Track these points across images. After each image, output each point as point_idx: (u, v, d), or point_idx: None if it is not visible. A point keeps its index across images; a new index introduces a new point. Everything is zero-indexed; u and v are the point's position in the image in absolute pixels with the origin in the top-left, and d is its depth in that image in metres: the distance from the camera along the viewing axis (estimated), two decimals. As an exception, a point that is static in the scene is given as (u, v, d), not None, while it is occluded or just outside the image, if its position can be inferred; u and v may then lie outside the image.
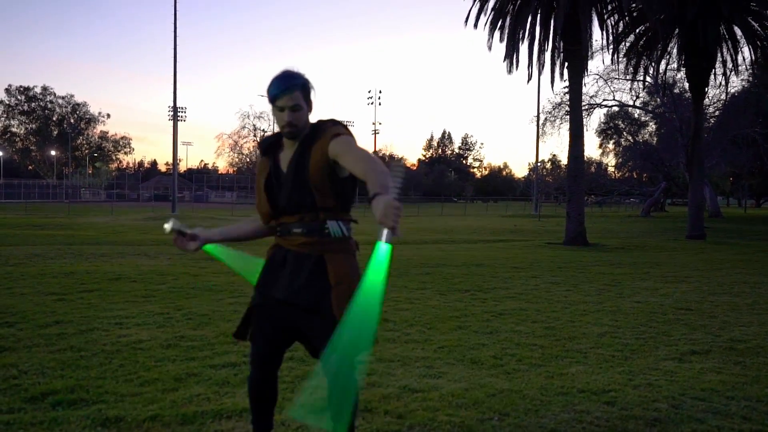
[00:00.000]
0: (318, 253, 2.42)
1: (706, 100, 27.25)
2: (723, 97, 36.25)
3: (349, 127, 2.51)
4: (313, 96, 2.45)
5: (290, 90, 2.36)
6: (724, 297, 8.14)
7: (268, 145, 2.54)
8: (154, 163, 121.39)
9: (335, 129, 2.42)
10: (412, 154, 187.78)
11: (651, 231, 29.34)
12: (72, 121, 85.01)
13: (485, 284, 8.80)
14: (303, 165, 2.40)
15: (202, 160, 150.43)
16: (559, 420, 3.14)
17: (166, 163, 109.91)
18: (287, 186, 2.43)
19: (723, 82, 25.80)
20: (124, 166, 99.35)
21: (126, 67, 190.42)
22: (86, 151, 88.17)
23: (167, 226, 2.57)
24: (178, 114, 44.92)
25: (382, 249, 2.09)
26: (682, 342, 5.38)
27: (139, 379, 3.68)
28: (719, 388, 3.98)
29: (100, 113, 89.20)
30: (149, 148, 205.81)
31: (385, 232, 1.95)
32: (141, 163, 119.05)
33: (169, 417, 3.02)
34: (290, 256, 2.43)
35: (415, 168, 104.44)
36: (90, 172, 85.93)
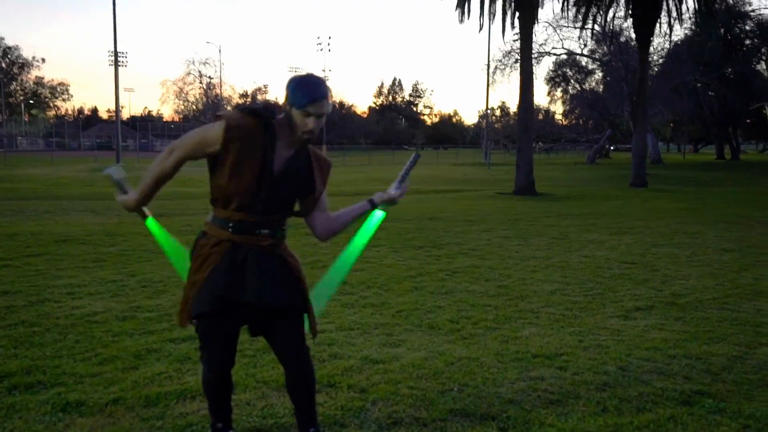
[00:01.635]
0: (278, 252, 2.44)
1: (650, 48, 27.67)
2: (667, 45, 36.92)
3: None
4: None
5: (325, 98, 2.33)
6: (666, 248, 8.49)
7: (267, 127, 2.36)
8: (94, 111, 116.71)
9: (329, 164, 2.60)
10: (363, 101, 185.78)
11: (596, 179, 30.09)
12: (3, 65, 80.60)
13: (439, 240, 8.92)
14: (307, 178, 2.46)
15: (145, 107, 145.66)
16: (515, 389, 3.27)
17: (108, 111, 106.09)
18: (277, 189, 2.36)
19: (668, 31, 26.30)
20: (63, 114, 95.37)
21: (61, 7, 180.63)
22: (21, 98, 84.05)
23: (109, 173, 2.50)
24: (119, 59, 43.05)
25: (377, 215, 2.66)
26: (627, 298, 5.61)
27: (97, 357, 3.63)
28: (662, 346, 4.20)
29: (34, 57, 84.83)
30: (89, 94, 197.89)
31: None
32: (81, 111, 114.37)
33: (132, 399, 3.02)
34: (252, 256, 2.35)
35: (365, 116, 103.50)
36: (26, 119, 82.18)
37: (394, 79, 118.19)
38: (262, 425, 2.80)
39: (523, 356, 3.86)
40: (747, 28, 46.67)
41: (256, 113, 2.36)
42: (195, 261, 2.40)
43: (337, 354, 3.73)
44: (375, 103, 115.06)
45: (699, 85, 39.15)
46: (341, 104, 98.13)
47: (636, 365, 3.77)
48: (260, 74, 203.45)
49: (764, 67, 49.11)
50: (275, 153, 2.35)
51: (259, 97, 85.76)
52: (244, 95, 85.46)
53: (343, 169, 40.07)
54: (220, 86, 50.23)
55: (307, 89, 2.29)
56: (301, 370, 2.46)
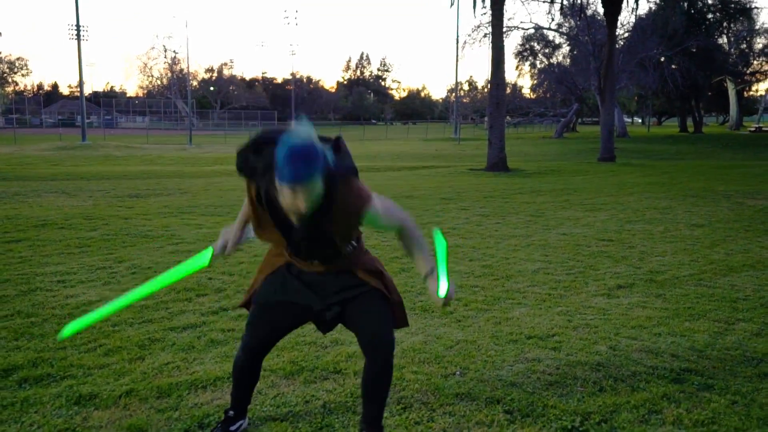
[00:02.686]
0: (339, 269, 2.47)
1: (617, 22, 27.93)
2: (632, 20, 37.31)
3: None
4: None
5: (311, 180, 2.07)
6: (639, 225, 8.73)
7: (252, 170, 2.23)
8: (55, 87, 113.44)
9: (362, 191, 2.28)
10: (331, 75, 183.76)
11: (565, 153, 30.52)
12: (-44, 39, 77.52)
13: (419, 219, 9.01)
14: (323, 229, 2.27)
15: (108, 83, 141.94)
16: (515, 372, 3.40)
17: (69, 87, 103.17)
18: (304, 238, 2.31)
19: (634, 6, 26.55)
20: (23, 90, 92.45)
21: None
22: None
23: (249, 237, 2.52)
24: (80, 33, 41.80)
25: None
26: (608, 276, 5.80)
27: (101, 348, 3.66)
28: (647, 324, 4.37)
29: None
30: (49, 70, 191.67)
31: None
32: (41, 86, 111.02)
33: (145, 391, 3.06)
34: (309, 275, 2.46)
35: (334, 91, 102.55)
36: (-17, 96, 79.48)
37: (362, 54, 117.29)
38: (276, 414, 2.88)
39: (517, 338, 3.99)
40: (709, 2, 47.42)
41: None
42: (267, 254, 2.58)
43: (338, 340, 3.81)
44: (343, 77, 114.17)
45: (663, 59, 39.73)
46: (309, 79, 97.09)
47: (625, 344, 3.94)
48: (227, 48, 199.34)
49: (726, 41, 50.03)
50: (279, 205, 2.23)
51: (225, 72, 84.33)
52: (210, 70, 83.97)
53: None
54: (187, 61, 49.17)
55: (288, 169, 2.03)
56: (386, 359, 2.40)
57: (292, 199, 2.09)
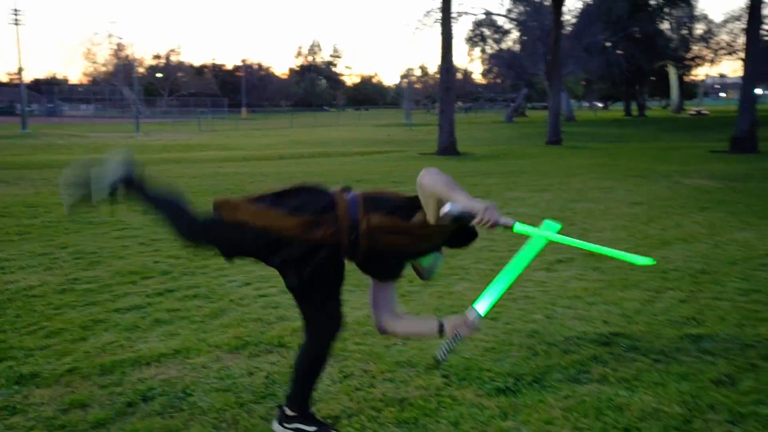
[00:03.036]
0: None
1: (564, 8, 28.46)
2: (579, 5, 38.06)
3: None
4: None
5: None
6: (582, 204, 9.01)
7: None
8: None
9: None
10: (282, 62, 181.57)
11: (515, 137, 31.01)
12: None
13: (368, 202, 9.11)
14: None
15: (50, 70, 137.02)
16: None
17: (8, 74, 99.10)
18: None
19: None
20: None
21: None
22: None
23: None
24: (17, 17, 40.26)
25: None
26: (550, 252, 5.98)
27: (43, 330, 3.63)
28: (582, 294, 4.57)
29: None
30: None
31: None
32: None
33: (87, 369, 3.07)
34: None
35: (285, 77, 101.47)
36: None
37: (314, 40, 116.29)
38: (221, 386, 2.94)
39: (458, 310, 4.12)
40: (652, -12, 48.66)
41: None
42: None
43: (283, 316, 3.88)
44: (295, 64, 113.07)
45: (608, 44, 40.63)
46: (260, 66, 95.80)
47: (561, 313, 4.12)
48: (174, 35, 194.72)
49: (667, 26, 51.47)
50: None
51: (173, 58, 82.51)
52: (157, 56, 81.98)
53: (265, 132, 39.48)
54: (132, 48, 47.95)
55: None
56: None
57: None
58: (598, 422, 2.64)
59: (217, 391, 2.86)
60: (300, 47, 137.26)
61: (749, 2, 18.09)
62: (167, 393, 2.83)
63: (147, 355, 3.23)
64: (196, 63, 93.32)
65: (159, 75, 78.50)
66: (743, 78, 19.10)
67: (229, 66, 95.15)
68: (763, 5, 18.13)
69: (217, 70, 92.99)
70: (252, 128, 45.10)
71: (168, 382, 2.92)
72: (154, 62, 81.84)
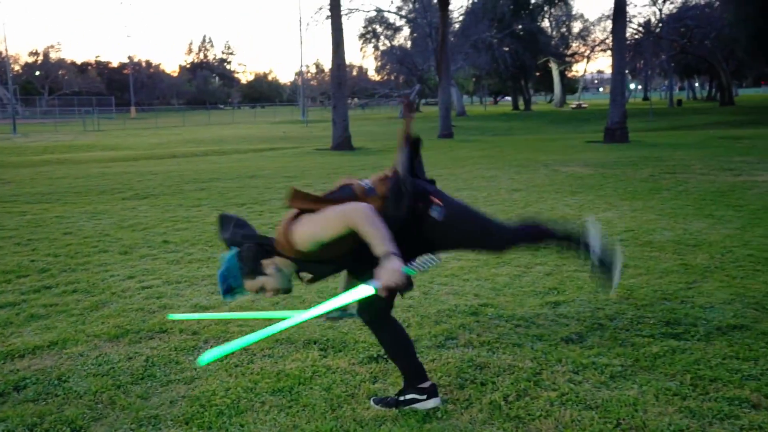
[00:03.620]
0: None
1: (451, 6, 29.43)
2: (465, 3, 39.37)
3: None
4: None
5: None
6: (466, 192, 9.46)
7: None
8: None
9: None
10: (172, 59, 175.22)
11: (409, 132, 31.68)
12: None
13: (260, 197, 9.15)
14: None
15: None
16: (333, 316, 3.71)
17: None
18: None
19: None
20: None
21: None
22: None
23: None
24: None
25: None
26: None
27: None
28: (458, 273, 4.89)
29: None
30: None
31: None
32: None
33: (-43, 365, 3.01)
34: None
35: (176, 75, 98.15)
36: None
37: (204, 36, 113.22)
38: (98, 371, 2.96)
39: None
40: (532, -13, 51.14)
41: None
42: None
43: (166, 305, 3.92)
44: (186, 61, 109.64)
45: (494, 41, 42.34)
46: (148, 63, 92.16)
47: (436, 290, 4.40)
48: (52, 31, 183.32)
49: (548, 24, 54.27)
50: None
51: (52, 55, 77.83)
52: (34, 53, 77.02)
53: (156, 131, 38.14)
54: (5, 44, 44.74)
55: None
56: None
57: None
58: (458, 379, 2.91)
59: (95, 376, 2.89)
60: (191, 44, 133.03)
61: (615, 2, 19.45)
62: (41, 381, 2.83)
63: (20, 348, 3.19)
64: (79, 60, 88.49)
65: (37, 73, 73.83)
66: (612, 73, 20.53)
67: (116, 63, 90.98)
68: (628, 5, 19.54)
69: (102, 67, 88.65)
70: (142, 127, 43.43)
71: (42, 371, 2.91)
72: (31, 59, 76.92)
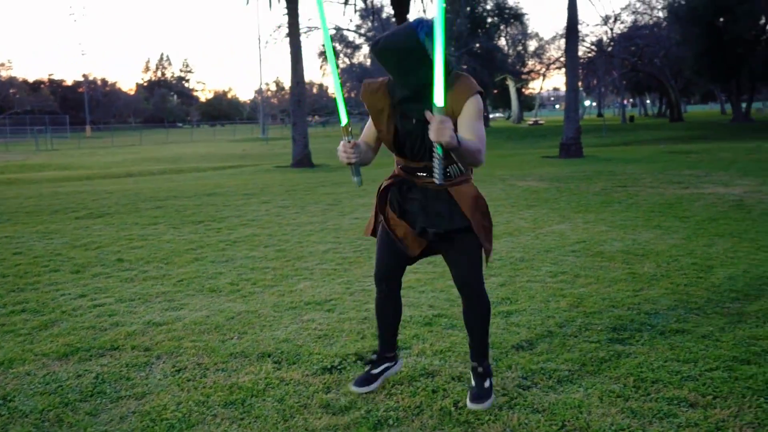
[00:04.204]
0: (443, 189, 2.65)
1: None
2: (424, 23, 39.97)
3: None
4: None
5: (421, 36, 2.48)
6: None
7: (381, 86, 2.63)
8: None
9: (474, 86, 2.55)
10: (129, 77, 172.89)
11: (369, 149, 31.89)
12: None
13: (218, 214, 9.09)
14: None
15: None
16: (289, 331, 3.74)
17: None
18: (415, 135, 2.59)
19: (422, 9, 28.63)
20: None
21: None
22: None
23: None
24: None
25: None
26: (390, 250, 6.38)
27: None
28: (415, 285, 4.95)
29: None
30: None
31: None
32: None
33: None
34: (415, 192, 2.70)
35: (133, 93, 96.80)
36: None
37: (162, 54, 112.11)
38: (45, 390, 2.92)
39: (297, 305, 4.33)
40: (488, 7, 52.23)
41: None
42: (378, 189, 2.83)
43: (119, 322, 3.88)
44: (143, 79, 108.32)
45: (453, 59, 43.01)
46: (104, 81, 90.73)
47: (392, 301, 4.44)
48: (2, 49, 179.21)
49: (504, 43, 55.41)
50: (402, 106, 2.58)
51: (2, 73, 76.08)
52: (-17, 71, 75.16)
53: (112, 150, 37.53)
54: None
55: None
56: (471, 299, 2.78)
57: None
58: (410, 387, 2.95)
59: (41, 394, 2.85)
60: (148, 61, 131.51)
61: (567, 22, 20.01)
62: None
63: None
64: (31, 78, 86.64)
65: (-13, 91, 72.02)
66: (566, 90, 21.05)
67: (70, 82, 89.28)
68: (580, 24, 20.11)
69: (55, 86, 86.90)
70: (97, 146, 42.66)
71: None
72: (-21, 77, 75.06)
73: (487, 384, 2.79)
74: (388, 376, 2.97)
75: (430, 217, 2.68)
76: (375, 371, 2.93)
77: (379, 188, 2.84)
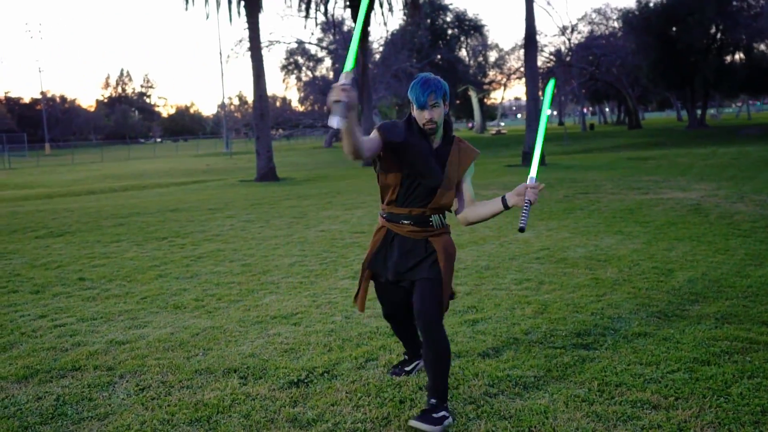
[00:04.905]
0: (423, 237, 2.85)
1: (371, 37, 30.03)
2: (385, 35, 40.29)
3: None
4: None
5: (432, 92, 2.75)
6: (391, 218, 9.60)
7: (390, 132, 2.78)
8: None
9: (477, 151, 2.94)
10: (89, 94, 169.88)
11: (333, 161, 31.82)
12: None
13: (182, 230, 8.97)
14: (443, 160, 2.82)
15: None
16: (255, 345, 3.70)
17: None
18: (419, 173, 2.78)
19: (383, 22, 29.03)
20: None
21: None
22: None
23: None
24: None
25: None
26: (356, 262, 6.38)
27: None
28: (382, 296, 4.96)
29: None
30: None
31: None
32: None
33: None
34: (397, 240, 2.86)
35: (93, 109, 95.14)
36: None
37: (122, 70, 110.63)
38: (4, 414, 2.84)
39: (263, 319, 4.30)
40: (448, 19, 52.91)
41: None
42: (373, 235, 3.00)
43: (80, 342, 3.79)
44: (103, 95, 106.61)
45: (414, 70, 43.37)
46: (63, 98, 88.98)
47: (358, 314, 4.44)
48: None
49: (465, 54, 56.11)
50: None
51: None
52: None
53: (73, 168, 36.78)
54: None
55: (425, 86, 2.73)
56: (431, 334, 2.77)
57: (420, 116, 2.76)
58: (378, 398, 2.95)
59: (1, 417, 2.77)
60: (108, 77, 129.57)
61: (525, 32, 20.37)
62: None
63: None
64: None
65: (-60, 109, 69.97)
66: (527, 100, 21.39)
67: (27, 99, 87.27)
68: (538, 35, 20.49)
69: (12, 103, 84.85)
70: (57, 164, 41.77)
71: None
72: (-68, 95, 72.91)
73: (438, 415, 2.68)
74: (420, 367, 3.28)
75: (407, 264, 2.87)
76: (408, 368, 3.27)
77: (367, 258, 3.02)
